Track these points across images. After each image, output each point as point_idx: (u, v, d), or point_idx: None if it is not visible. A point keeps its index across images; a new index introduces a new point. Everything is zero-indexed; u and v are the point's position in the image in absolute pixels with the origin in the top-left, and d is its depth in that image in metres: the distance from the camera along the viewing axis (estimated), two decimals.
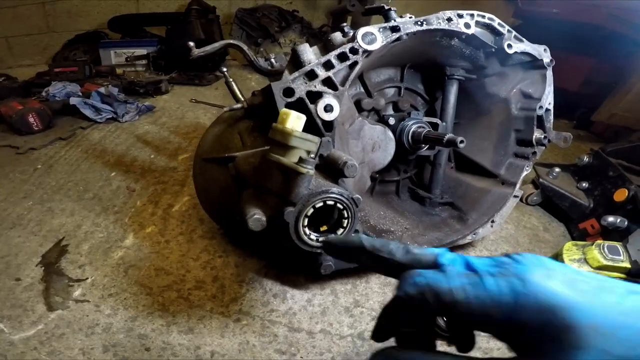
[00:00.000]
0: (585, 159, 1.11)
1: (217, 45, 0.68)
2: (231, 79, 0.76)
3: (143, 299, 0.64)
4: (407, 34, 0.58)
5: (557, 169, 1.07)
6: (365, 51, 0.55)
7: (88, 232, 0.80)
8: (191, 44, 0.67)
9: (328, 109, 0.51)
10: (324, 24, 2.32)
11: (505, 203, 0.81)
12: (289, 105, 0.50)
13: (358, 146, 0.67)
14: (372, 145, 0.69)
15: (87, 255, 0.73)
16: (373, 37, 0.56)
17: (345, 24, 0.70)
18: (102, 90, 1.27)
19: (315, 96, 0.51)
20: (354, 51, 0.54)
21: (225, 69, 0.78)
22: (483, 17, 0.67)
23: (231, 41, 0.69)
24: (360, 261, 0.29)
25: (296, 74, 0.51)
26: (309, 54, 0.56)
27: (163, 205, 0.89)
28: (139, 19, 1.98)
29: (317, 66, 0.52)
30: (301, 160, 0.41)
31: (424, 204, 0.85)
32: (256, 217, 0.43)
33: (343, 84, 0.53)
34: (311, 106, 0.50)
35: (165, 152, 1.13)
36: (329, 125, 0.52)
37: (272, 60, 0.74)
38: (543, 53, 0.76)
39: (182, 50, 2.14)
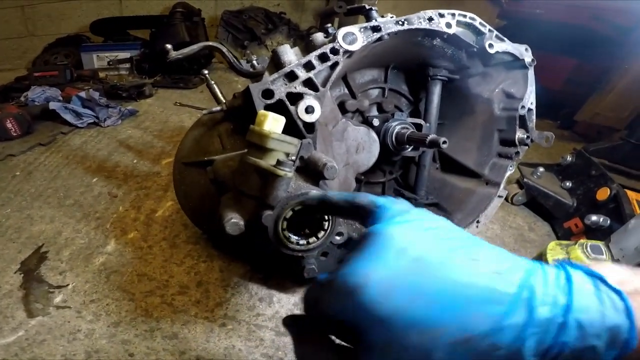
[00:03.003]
0: (569, 158, 1.14)
1: (195, 47, 0.68)
2: (213, 81, 0.76)
3: (126, 304, 0.64)
4: (388, 34, 0.59)
5: (541, 169, 1.10)
6: (346, 51, 0.56)
7: (69, 238, 0.79)
8: (168, 46, 0.67)
9: (309, 110, 0.52)
10: (311, 26, 2.34)
11: (489, 203, 0.83)
12: (268, 107, 0.50)
13: (342, 148, 0.68)
14: (356, 147, 0.70)
15: (68, 261, 0.73)
16: (354, 37, 0.57)
17: (329, 25, 0.71)
18: (82, 94, 1.25)
19: (295, 97, 0.52)
20: (334, 51, 0.56)
21: (206, 72, 0.79)
22: (464, 16, 0.69)
23: (210, 43, 0.70)
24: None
25: (276, 75, 0.51)
26: (290, 55, 0.57)
27: (146, 211, 0.89)
28: (122, 21, 1.97)
29: (298, 67, 0.53)
30: (279, 163, 0.41)
31: None
32: (233, 221, 0.43)
33: (324, 84, 0.54)
34: (291, 107, 0.51)
35: (149, 156, 1.12)
36: (310, 127, 0.53)
37: (254, 62, 0.75)
38: (524, 52, 0.78)
39: (165, 54, 2.12)
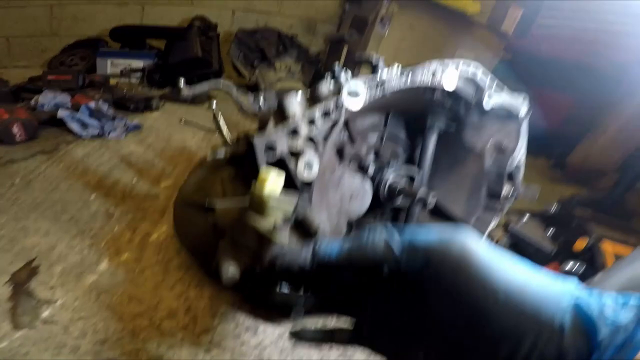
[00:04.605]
0: (554, 207, 1.19)
1: (206, 86, 0.72)
2: (220, 114, 0.79)
3: (113, 324, 0.66)
4: (391, 89, 0.63)
5: (526, 216, 1.14)
6: (349, 107, 0.59)
7: (62, 254, 0.81)
8: (181, 81, 0.70)
9: (308, 167, 0.55)
10: (320, 52, 2.42)
11: None
12: (270, 162, 0.53)
13: (336, 195, 0.71)
14: (350, 195, 0.74)
15: (59, 277, 0.74)
16: (358, 93, 0.61)
17: (336, 63, 0.75)
18: (92, 105, 1.28)
19: (296, 153, 0.55)
20: (338, 107, 0.59)
21: (214, 102, 0.82)
22: (468, 65, 0.72)
23: (220, 84, 0.73)
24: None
25: (280, 130, 0.54)
26: (295, 105, 0.60)
27: (141, 233, 0.91)
28: (139, 30, 2.03)
29: (301, 123, 0.56)
30: (275, 228, 0.45)
31: None
32: (231, 270, 0.45)
33: (325, 139, 0.57)
34: (291, 164, 0.54)
35: (148, 176, 1.15)
36: (308, 182, 0.56)
37: (260, 101, 0.78)
38: (521, 103, 0.81)
39: (178, 67, 2.18)
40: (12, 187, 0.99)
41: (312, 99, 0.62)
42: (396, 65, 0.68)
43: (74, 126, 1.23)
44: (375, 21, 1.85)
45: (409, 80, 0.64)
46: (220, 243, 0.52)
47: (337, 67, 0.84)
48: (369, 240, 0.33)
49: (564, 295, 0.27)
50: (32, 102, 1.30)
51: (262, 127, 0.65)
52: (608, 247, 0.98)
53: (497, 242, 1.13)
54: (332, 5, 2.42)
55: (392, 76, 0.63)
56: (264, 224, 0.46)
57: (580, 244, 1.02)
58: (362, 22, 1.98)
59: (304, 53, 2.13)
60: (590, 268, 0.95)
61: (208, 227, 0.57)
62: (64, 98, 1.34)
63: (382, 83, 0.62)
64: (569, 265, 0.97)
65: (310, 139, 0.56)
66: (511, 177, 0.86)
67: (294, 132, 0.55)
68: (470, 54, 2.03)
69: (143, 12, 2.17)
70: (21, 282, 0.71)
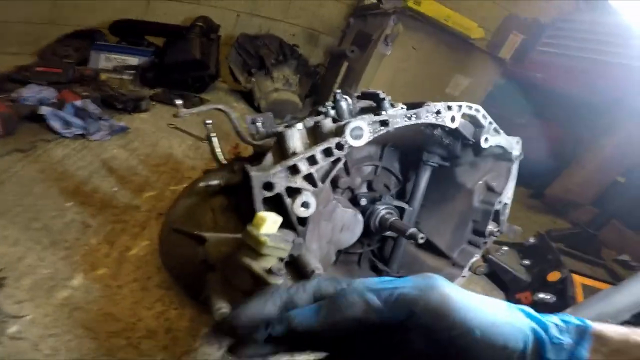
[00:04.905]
0: (531, 240, 1.26)
1: (204, 108, 0.70)
2: (214, 135, 0.77)
3: (88, 342, 0.62)
4: (395, 128, 0.63)
5: (505, 248, 1.20)
6: (350, 147, 0.59)
7: (31, 266, 0.76)
8: (178, 102, 0.68)
9: (305, 205, 0.54)
10: (319, 63, 2.43)
11: (453, 282, 0.88)
12: (266, 200, 0.52)
13: (328, 227, 0.71)
14: (341, 227, 0.74)
15: (28, 291, 0.69)
16: (361, 132, 0.60)
17: (338, 91, 0.75)
18: (78, 103, 1.22)
19: (294, 191, 0.54)
20: (339, 147, 0.58)
21: (209, 123, 0.79)
22: (470, 108, 0.74)
23: (220, 107, 0.71)
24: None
25: (279, 167, 0.53)
26: (295, 140, 0.59)
27: (119, 247, 0.87)
28: (141, 26, 1.96)
29: (301, 160, 0.55)
30: (271, 271, 0.44)
31: (381, 275, 0.91)
32: (223, 311, 0.44)
33: (323, 180, 0.57)
34: (288, 201, 0.53)
35: (131, 185, 1.11)
36: (303, 221, 0.55)
37: (258, 124, 0.77)
38: (515, 145, 0.84)
39: (175, 67, 2.12)
40: None
41: (314, 135, 0.62)
42: (401, 106, 0.69)
43: (56, 124, 1.17)
44: (379, 40, 1.85)
45: (412, 119, 0.64)
46: (209, 277, 0.50)
47: (338, 93, 0.84)
48: (345, 302, 0.34)
49: (524, 324, 0.32)
50: (14, 94, 1.23)
51: (259, 155, 0.64)
52: (578, 280, 1.05)
53: (476, 269, 1.17)
54: (337, 18, 2.45)
55: (397, 116, 0.63)
56: (259, 265, 0.45)
57: (554, 276, 1.09)
58: (366, 39, 1.98)
59: (303, 65, 2.12)
60: (561, 299, 1.02)
61: (196, 256, 0.55)
62: (49, 93, 1.27)
63: (386, 122, 0.62)
64: (541, 295, 1.04)
65: (310, 178, 0.55)
66: (497, 215, 0.89)
67: (294, 170, 0.55)
68: (466, 79, 2.10)
69: (148, 6, 2.11)
70: None
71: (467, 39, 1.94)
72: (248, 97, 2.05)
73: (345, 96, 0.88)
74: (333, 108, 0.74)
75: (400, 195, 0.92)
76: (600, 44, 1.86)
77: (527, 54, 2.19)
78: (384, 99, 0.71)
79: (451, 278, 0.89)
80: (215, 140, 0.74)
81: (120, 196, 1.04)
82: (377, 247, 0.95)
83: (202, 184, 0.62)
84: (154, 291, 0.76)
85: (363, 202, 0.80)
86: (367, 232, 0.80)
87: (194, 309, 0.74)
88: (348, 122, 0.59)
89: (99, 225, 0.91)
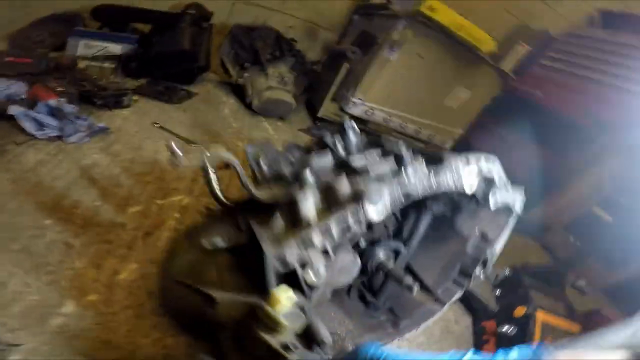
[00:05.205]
0: (506, 272, 1.34)
1: (208, 154, 0.63)
2: (213, 171, 0.70)
3: None
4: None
5: (481, 277, 1.27)
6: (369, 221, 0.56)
7: (17, 292, 0.72)
8: (174, 146, 0.61)
9: (316, 275, 0.53)
10: (317, 61, 2.33)
11: (432, 317, 0.96)
12: (279, 274, 0.51)
13: (328, 270, 0.70)
14: (339, 269, 0.73)
15: (20, 319, 0.67)
16: (382, 208, 0.56)
17: (349, 122, 0.71)
18: (52, 102, 1.10)
19: (306, 262, 0.53)
20: (357, 222, 0.55)
21: (206, 155, 0.71)
22: (487, 160, 0.73)
23: (225, 158, 0.65)
24: None
25: (293, 242, 0.51)
26: (309, 206, 0.56)
27: (107, 271, 0.83)
28: (127, 12, 1.78)
29: (316, 233, 0.53)
30: (287, 348, 0.46)
31: (368, 306, 0.96)
32: None
33: (335, 252, 0.56)
34: (300, 272, 0.52)
35: (114, 198, 1.03)
36: (314, 287, 0.54)
37: (263, 166, 0.71)
38: (517, 199, 0.85)
39: (162, 58, 1.93)
40: None
41: (328, 201, 0.58)
42: (421, 161, 0.66)
43: (28, 125, 1.06)
44: (384, 44, 1.78)
45: (434, 185, 0.63)
46: (222, 336, 0.51)
47: (347, 122, 0.81)
48: None
49: None
50: None
51: (267, 208, 0.60)
52: (540, 316, 1.14)
53: None
54: (339, 14, 2.31)
55: (418, 178, 0.61)
56: (277, 340, 0.47)
57: (520, 311, 1.17)
58: (369, 40, 1.90)
59: (299, 62, 2.03)
60: (522, 333, 1.11)
61: (204, 312, 0.54)
62: (19, 88, 1.13)
63: (409, 195, 0.59)
64: (505, 327, 1.13)
65: (323, 251, 0.54)
66: (485, 262, 0.93)
67: (308, 243, 0.53)
68: (467, 92, 2.06)
69: None
70: None
71: (476, 51, 1.89)
72: (238, 91, 1.94)
73: (353, 125, 0.85)
74: (342, 139, 0.72)
75: (397, 233, 0.93)
76: (605, 63, 1.83)
77: (528, 67, 2.14)
78: (404, 156, 0.68)
79: (432, 313, 0.95)
80: (213, 176, 0.68)
81: (104, 211, 0.97)
82: (367, 279, 0.97)
83: (206, 243, 0.58)
84: (148, 318, 0.75)
85: (362, 244, 0.80)
86: (362, 271, 0.81)
87: (189, 335, 0.73)
88: (366, 193, 0.55)
89: (83, 245, 0.85)
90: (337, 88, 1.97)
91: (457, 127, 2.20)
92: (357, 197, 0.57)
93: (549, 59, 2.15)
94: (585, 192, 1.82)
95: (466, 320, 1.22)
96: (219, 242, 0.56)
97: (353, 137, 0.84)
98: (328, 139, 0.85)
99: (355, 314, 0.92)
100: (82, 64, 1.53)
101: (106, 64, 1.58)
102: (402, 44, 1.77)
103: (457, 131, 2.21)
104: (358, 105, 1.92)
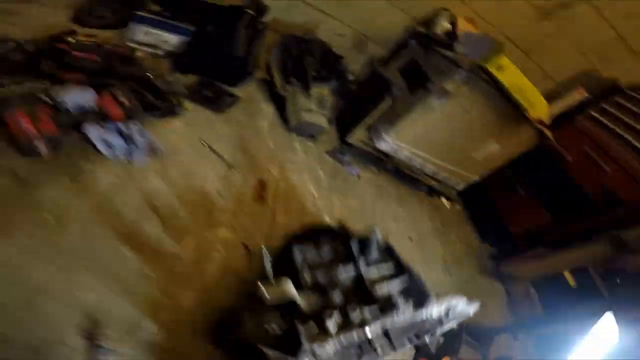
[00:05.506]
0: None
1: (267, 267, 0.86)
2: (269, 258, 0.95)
3: None
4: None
5: None
6: None
7: (111, 311, 0.98)
8: (262, 288, 0.86)
9: None
10: (356, 79, 2.28)
11: None
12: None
13: None
14: None
15: (119, 333, 0.96)
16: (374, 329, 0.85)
17: (375, 235, 0.96)
18: (121, 126, 1.23)
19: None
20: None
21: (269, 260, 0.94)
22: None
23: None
24: None
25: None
26: (332, 326, 0.82)
27: (174, 298, 1.09)
28: (188, 1, 1.72)
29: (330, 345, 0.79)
30: None
31: None
32: None
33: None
34: None
35: (173, 229, 1.24)
36: None
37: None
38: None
39: (211, 57, 1.95)
40: (46, 227, 1.04)
41: (343, 320, 0.85)
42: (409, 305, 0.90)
43: (100, 146, 1.20)
44: (434, 91, 1.74)
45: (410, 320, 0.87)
46: None
47: (374, 234, 1.04)
48: None
49: None
50: (53, 93, 1.17)
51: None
52: None
53: None
54: (394, 30, 2.18)
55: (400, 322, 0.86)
56: None
57: None
58: (418, 76, 1.83)
59: (343, 84, 2.02)
60: None
61: None
62: (88, 96, 1.23)
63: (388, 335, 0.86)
64: None
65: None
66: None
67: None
68: (496, 146, 2.03)
69: None
70: (91, 337, 0.89)
71: (522, 112, 1.79)
72: (278, 99, 1.99)
73: (378, 237, 1.06)
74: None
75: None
76: None
77: (575, 116, 2.05)
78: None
79: None
80: (267, 260, 0.93)
81: (166, 242, 1.19)
82: None
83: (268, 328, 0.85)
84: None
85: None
86: None
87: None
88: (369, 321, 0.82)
89: (155, 273, 1.09)
90: (373, 119, 2.00)
91: (474, 174, 2.24)
92: (362, 324, 0.83)
93: (599, 111, 1.99)
94: (562, 262, 1.95)
95: None
96: (277, 329, 0.82)
97: (375, 252, 1.05)
98: (354, 246, 1.06)
99: None
100: (140, 53, 1.58)
101: (159, 51, 1.62)
102: (452, 95, 1.74)
103: (474, 177, 2.25)
104: (388, 143, 1.99)
